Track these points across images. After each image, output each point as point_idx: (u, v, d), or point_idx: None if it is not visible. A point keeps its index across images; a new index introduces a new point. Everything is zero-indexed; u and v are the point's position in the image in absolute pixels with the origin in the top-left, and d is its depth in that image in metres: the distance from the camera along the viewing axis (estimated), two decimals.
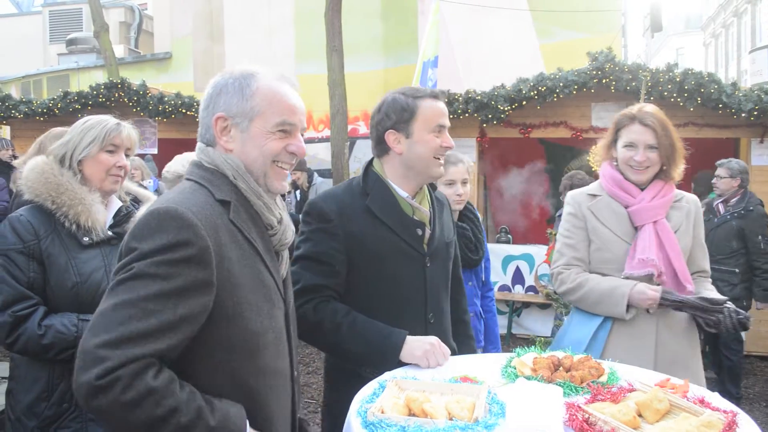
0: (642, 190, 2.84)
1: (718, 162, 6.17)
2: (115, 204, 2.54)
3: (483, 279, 3.74)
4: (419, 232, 2.37)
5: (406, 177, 2.38)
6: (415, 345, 2.17)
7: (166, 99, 9.12)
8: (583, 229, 2.89)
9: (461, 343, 2.65)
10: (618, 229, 2.82)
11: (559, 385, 1.92)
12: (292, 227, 1.82)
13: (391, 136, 2.34)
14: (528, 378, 2.01)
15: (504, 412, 1.74)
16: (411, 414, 1.72)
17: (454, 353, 2.32)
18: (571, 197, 3.00)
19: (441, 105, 2.37)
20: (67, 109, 8.95)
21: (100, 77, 12.26)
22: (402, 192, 2.37)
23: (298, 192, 8.45)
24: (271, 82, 1.70)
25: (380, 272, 2.32)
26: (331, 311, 2.25)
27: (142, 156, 8.25)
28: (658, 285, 2.72)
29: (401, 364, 2.16)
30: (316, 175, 8.51)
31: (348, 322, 2.23)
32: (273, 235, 1.74)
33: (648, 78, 6.71)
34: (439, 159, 2.36)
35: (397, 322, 2.25)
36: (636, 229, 2.81)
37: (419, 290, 2.37)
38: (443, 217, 2.54)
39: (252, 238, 1.64)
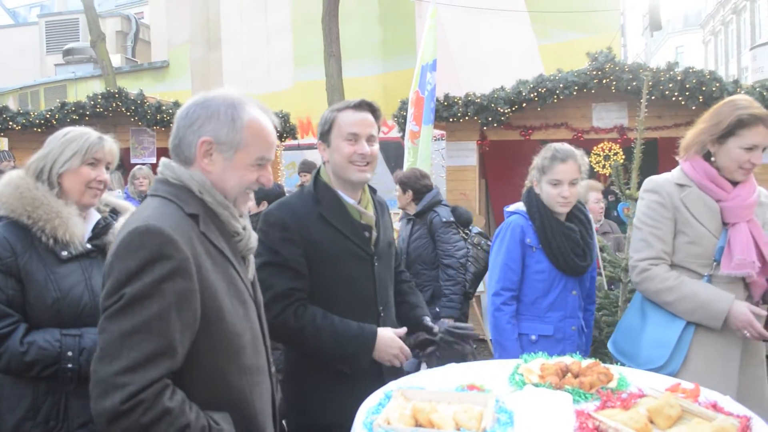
0: (733, 185, 2.70)
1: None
2: (94, 216, 2.48)
3: (592, 290, 3.39)
4: (366, 234, 2.56)
5: (340, 184, 2.55)
6: (383, 351, 2.43)
7: (164, 108, 9.08)
8: (671, 220, 2.73)
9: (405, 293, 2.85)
10: (709, 223, 2.69)
11: (568, 392, 1.88)
12: (254, 234, 1.92)
13: (320, 147, 2.58)
14: (536, 385, 1.97)
15: (513, 421, 1.70)
16: (418, 425, 1.69)
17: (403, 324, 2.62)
18: (657, 185, 2.80)
19: (359, 115, 2.49)
20: (65, 120, 8.90)
21: (98, 87, 12.25)
22: (349, 199, 2.55)
23: None
24: (258, 118, 1.79)
25: (336, 273, 2.49)
26: (311, 316, 2.42)
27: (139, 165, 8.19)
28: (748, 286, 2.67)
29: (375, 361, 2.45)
30: None
31: (327, 326, 2.41)
32: (239, 241, 1.83)
33: (649, 77, 6.68)
34: (356, 164, 2.47)
35: (354, 317, 2.46)
36: (724, 225, 2.69)
37: (370, 287, 2.56)
38: (385, 219, 2.71)
39: (221, 246, 1.73)
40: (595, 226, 4.97)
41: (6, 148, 9.43)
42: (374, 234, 2.58)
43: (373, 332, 2.44)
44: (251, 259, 1.92)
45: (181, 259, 1.56)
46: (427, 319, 2.70)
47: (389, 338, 2.45)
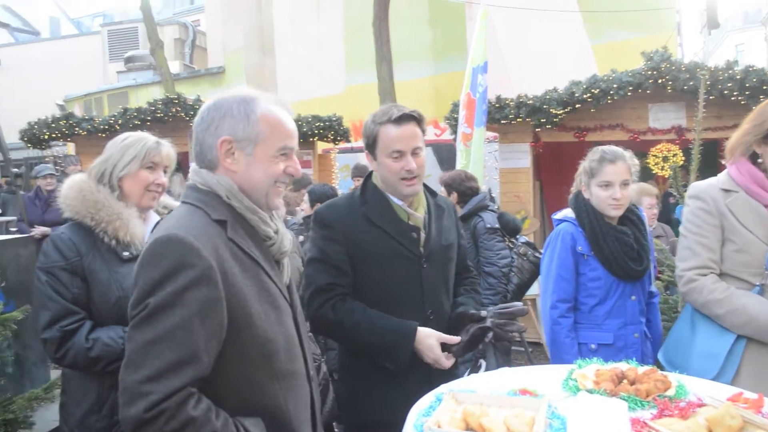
0: None
1: None
2: (153, 218, 2.57)
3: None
4: (414, 235, 2.54)
5: (390, 187, 2.55)
6: (425, 348, 2.40)
7: None
8: (717, 227, 2.60)
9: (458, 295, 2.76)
10: (758, 229, 2.54)
11: (624, 399, 1.85)
12: (289, 236, 1.90)
13: (367, 157, 2.59)
14: (590, 391, 1.94)
15: (565, 428, 1.68)
16: (468, 428, 1.68)
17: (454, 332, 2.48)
18: (701, 191, 2.68)
19: (402, 130, 2.44)
20: (127, 125, 9.20)
21: (157, 93, 12.59)
22: (397, 200, 2.55)
23: None
24: (272, 108, 1.77)
25: (380, 273, 2.51)
26: (349, 310, 2.46)
27: None
28: None
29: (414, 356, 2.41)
30: None
31: (365, 318, 2.44)
32: (272, 245, 1.82)
33: (707, 76, 6.49)
34: (405, 180, 2.47)
35: (396, 313, 2.47)
36: None
37: (416, 289, 2.53)
38: (442, 221, 2.67)
39: (251, 251, 1.72)
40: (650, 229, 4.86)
41: (73, 153, 9.80)
42: (423, 235, 2.56)
43: (413, 326, 2.42)
44: (285, 262, 1.90)
45: (204, 267, 1.56)
46: (472, 309, 2.56)
47: (428, 343, 2.40)
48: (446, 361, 2.41)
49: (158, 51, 13.62)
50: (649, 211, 5.50)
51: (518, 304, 2.56)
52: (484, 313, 2.50)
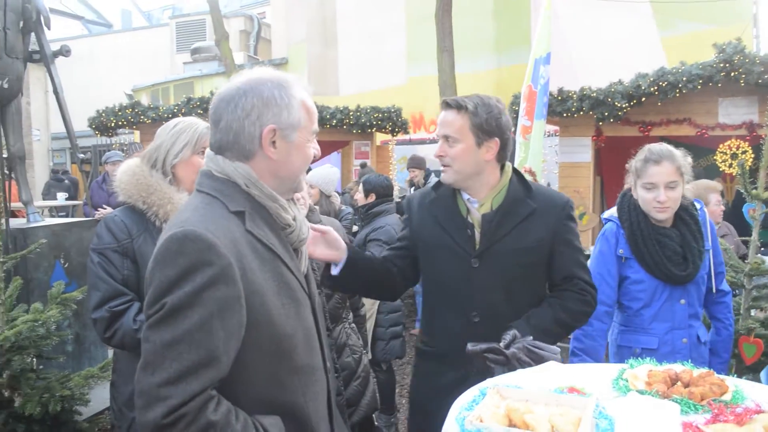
0: None
1: None
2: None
3: (709, 286, 3.01)
4: (468, 232, 2.44)
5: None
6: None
7: None
8: None
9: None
10: None
11: (676, 402, 1.77)
12: (308, 223, 1.85)
13: None
14: (641, 392, 1.87)
15: (613, 428, 1.62)
16: (511, 425, 1.64)
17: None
18: None
19: (441, 115, 2.45)
20: (191, 114, 9.42)
21: (222, 83, 12.83)
22: (465, 194, 2.49)
23: (413, 188, 8.47)
24: (304, 92, 1.74)
25: (432, 265, 2.54)
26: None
27: None
28: None
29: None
30: (433, 174, 8.45)
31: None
32: (291, 233, 1.75)
33: None
34: (441, 165, 2.47)
35: (443, 312, 2.50)
36: None
37: (464, 288, 2.44)
38: (521, 222, 2.44)
39: (270, 243, 1.65)
40: (716, 228, 4.64)
41: (138, 141, 10.12)
42: (476, 234, 2.44)
43: None
44: (304, 250, 1.84)
45: (222, 265, 1.49)
46: (506, 337, 2.27)
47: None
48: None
49: (223, 42, 13.90)
50: (717, 207, 5.26)
51: (555, 349, 2.25)
52: (503, 344, 2.22)
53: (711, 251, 2.99)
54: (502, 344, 2.20)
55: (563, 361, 2.34)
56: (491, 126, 2.38)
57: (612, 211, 3.08)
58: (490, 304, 2.43)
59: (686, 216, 2.94)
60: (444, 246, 2.47)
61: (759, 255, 3.76)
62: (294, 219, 1.76)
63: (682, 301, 2.88)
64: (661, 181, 2.81)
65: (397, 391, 5.29)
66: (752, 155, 7.43)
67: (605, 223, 3.06)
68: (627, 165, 3.03)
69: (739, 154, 7.38)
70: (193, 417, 1.42)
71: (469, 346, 2.22)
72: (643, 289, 2.89)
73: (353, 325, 3.42)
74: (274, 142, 1.66)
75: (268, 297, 1.60)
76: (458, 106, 2.39)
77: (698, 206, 3.04)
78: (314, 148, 1.78)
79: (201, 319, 1.46)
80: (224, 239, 1.52)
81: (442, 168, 2.46)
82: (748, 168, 3.72)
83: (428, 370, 2.58)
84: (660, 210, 2.84)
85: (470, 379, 2.13)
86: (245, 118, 1.64)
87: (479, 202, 2.47)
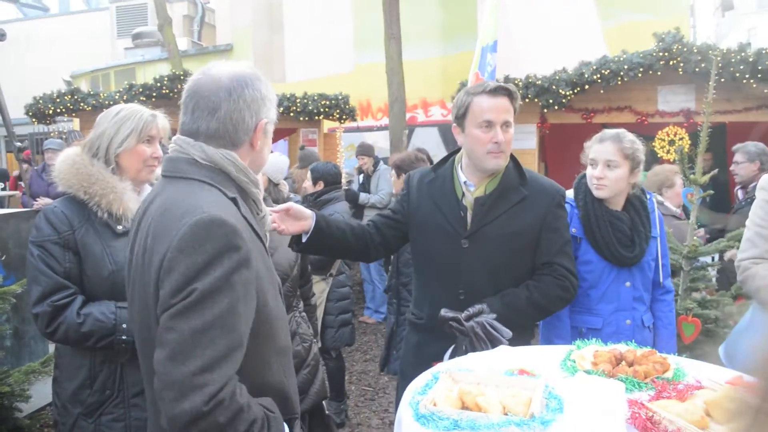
0: None
1: (735, 147, 5.65)
2: (147, 190, 2.52)
3: (657, 279, 3.09)
4: (461, 214, 2.56)
5: (469, 166, 2.62)
6: None
7: None
8: None
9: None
10: None
11: (621, 381, 1.84)
12: (267, 210, 1.89)
13: (455, 130, 2.63)
14: (588, 372, 1.93)
15: (562, 408, 1.67)
16: (464, 407, 1.68)
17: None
18: None
19: (494, 101, 2.49)
20: (133, 101, 9.14)
21: (165, 69, 12.54)
22: (461, 176, 2.62)
23: (362, 176, 8.47)
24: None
25: (424, 242, 2.67)
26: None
27: None
28: None
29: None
30: (381, 162, 8.46)
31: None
32: (262, 218, 1.80)
33: (719, 58, 6.40)
34: (492, 153, 2.51)
35: (432, 288, 2.65)
36: None
37: (453, 266, 2.58)
38: (513, 207, 2.56)
39: (256, 228, 1.70)
40: (679, 212, 4.73)
41: (78, 129, 9.80)
42: (468, 216, 2.56)
43: None
44: (268, 235, 1.86)
45: (247, 249, 1.53)
46: (471, 309, 2.42)
47: None
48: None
49: (166, 27, 13.54)
50: (680, 190, 5.29)
51: (507, 333, 2.35)
52: (463, 315, 2.37)
53: (659, 240, 3.07)
54: (464, 315, 2.36)
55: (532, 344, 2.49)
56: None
57: (568, 193, 3.14)
58: (476, 283, 2.56)
59: (636, 202, 3.04)
60: (438, 225, 2.60)
61: (696, 237, 3.90)
62: (263, 207, 1.82)
63: (628, 284, 2.96)
64: (601, 158, 2.91)
65: (346, 378, 5.31)
66: (689, 141, 7.69)
67: None
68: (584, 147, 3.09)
69: (677, 141, 7.63)
70: (228, 402, 1.44)
71: (442, 312, 2.40)
72: (590, 270, 2.96)
73: (303, 314, 3.40)
74: (259, 135, 1.73)
75: (263, 281, 1.65)
76: (511, 93, 2.53)
77: (648, 196, 3.13)
78: None
79: (230, 304, 1.48)
80: (240, 224, 1.57)
81: (495, 155, 2.51)
82: (686, 154, 3.84)
83: (417, 341, 2.72)
84: (597, 186, 2.93)
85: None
86: (245, 109, 1.67)
87: (475, 186, 2.59)
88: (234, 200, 1.64)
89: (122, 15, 20.63)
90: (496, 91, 2.50)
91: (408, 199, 2.76)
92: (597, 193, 2.95)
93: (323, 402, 3.46)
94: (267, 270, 1.70)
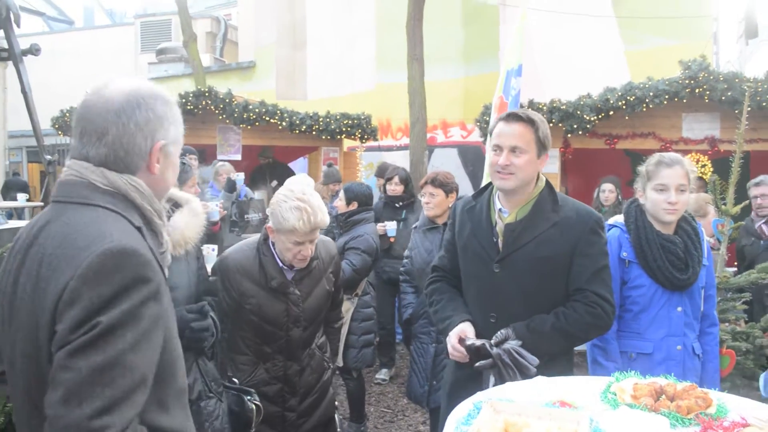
0: None
1: (756, 180, 5.49)
2: None
3: (705, 310, 3.06)
4: (494, 239, 2.64)
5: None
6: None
7: (250, 107, 9.35)
8: None
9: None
10: None
11: (665, 416, 1.82)
12: (170, 245, 1.74)
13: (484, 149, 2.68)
14: (631, 406, 1.91)
15: None
16: None
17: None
18: None
19: (505, 128, 2.62)
20: None
21: (188, 85, 12.69)
22: (498, 202, 2.69)
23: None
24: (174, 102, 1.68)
25: (464, 264, 2.78)
26: (433, 290, 2.89)
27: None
28: None
29: None
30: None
31: (436, 300, 2.83)
32: (162, 253, 1.64)
33: (752, 88, 6.37)
34: (498, 174, 2.61)
35: (471, 311, 2.70)
36: None
37: (487, 290, 2.66)
38: (546, 232, 2.58)
39: (160, 261, 1.56)
40: (711, 241, 4.68)
41: None
42: (500, 242, 2.63)
43: (458, 321, 2.65)
44: (167, 272, 1.68)
45: (157, 281, 1.43)
46: (498, 335, 2.50)
47: (454, 332, 2.61)
48: (455, 351, 2.58)
49: (191, 44, 13.71)
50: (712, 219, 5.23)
51: (534, 360, 2.41)
52: (490, 342, 2.47)
53: (706, 269, 3.05)
54: (492, 341, 2.46)
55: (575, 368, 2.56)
56: (547, 140, 2.64)
57: (616, 218, 3.18)
58: (507, 308, 2.61)
59: (687, 226, 3.04)
60: (474, 250, 2.70)
61: (726, 269, 3.88)
62: (166, 240, 1.68)
63: (679, 309, 2.94)
64: (673, 183, 2.91)
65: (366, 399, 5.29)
66: (711, 169, 7.65)
67: (609, 230, 3.10)
68: (639, 170, 3.10)
69: (699, 169, 7.59)
70: None
71: (467, 342, 2.51)
72: (642, 294, 2.95)
73: (321, 340, 3.37)
74: (159, 158, 1.60)
75: (168, 315, 1.54)
76: (529, 120, 2.59)
77: (696, 223, 3.13)
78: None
79: (135, 339, 1.36)
80: (150, 255, 1.46)
81: (501, 176, 2.60)
82: (718, 183, 3.83)
83: (452, 362, 2.77)
84: (670, 212, 2.92)
85: (480, 375, 2.42)
86: (138, 133, 1.54)
87: (509, 212, 2.66)
88: (139, 229, 1.52)
89: (146, 30, 20.92)
90: (509, 117, 2.64)
91: (453, 228, 2.87)
92: (668, 218, 2.95)
93: (336, 418, 3.47)
94: (169, 304, 1.58)
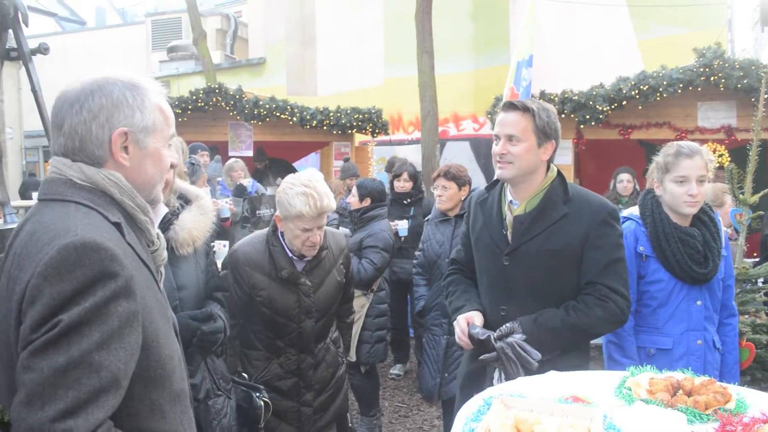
0: None
1: None
2: (162, 211, 2.47)
3: (723, 301, 2.98)
4: (504, 232, 2.60)
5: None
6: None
7: (261, 103, 9.35)
8: None
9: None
10: None
11: (682, 411, 1.76)
12: (164, 242, 1.70)
13: None
14: (646, 402, 1.86)
15: None
16: None
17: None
18: None
19: (501, 116, 2.59)
20: None
21: (199, 82, 12.69)
22: (509, 196, 2.64)
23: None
24: (159, 95, 1.61)
25: (477, 256, 2.76)
26: (450, 281, 2.92)
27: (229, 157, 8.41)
28: None
29: None
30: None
31: (452, 291, 2.86)
32: (154, 251, 1.60)
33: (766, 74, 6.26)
34: (497, 164, 2.60)
35: (483, 303, 2.70)
36: None
37: (497, 283, 2.63)
38: (554, 224, 2.52)
39: (145, 258, 1.52)
40: (729, 231, 4.58)
41: None
42: (509, 234, 2.59)
43: (468, 309, 2.68)
44: (162, 271, 1.67)
45: (126, 277, 1.35)
46: (503, 328, 2.48)
47: (462, 316, 2.64)
48: (463, 336, 2.59)
49: (201, 41, 13.71)
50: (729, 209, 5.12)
51: (537, 355, 2.37)
52: (493, 335, 2.47)
53: (725, 259, 2.96)
54: (497, 334, 2.45)
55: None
56: (550, 129, 2.54)
57: (631, 210, 3.06)
58: (517, 301, 2.57)
59: (705, 217, 2.94)
60: (485, 243, 2.68)
61: (744, 260, 3.80)
62: (158, 237, 1.63)
63: (699, 303, 2.85)
64: (693, 174, 2.79)
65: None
66: (728, 158, 7.53)
67: (623, 222, 2.96)
68: (656, 160, 2.97)
69: (717, 158, 7.47)
70: None
71: (471, 331, 2.52)
72: (661, 288, 2.86)
73: (335, 335, 3.36)
74: (126, 148, 1.51)
75: (153, 314, 1.47)
76: (524, 108, 2.54)
77: (714, 213, 3.02)
78: (172, 156, 1.65)
79: (102, 338, 1.29)
80: (121, 249, 1.39)
81: (500, 165, 2.57)
82: (735, 173, 3.74)
83: (467, 354, 2.78)
84: (690, 204, 2.82)
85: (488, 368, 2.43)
86: (92, 121, 1.47)
87: (519, 204, 2.61)
88: (117, 225, 1.45)
89: (157, 29, 20.98)
90: (505, 106, 2.61)
91: (468, 221, 2.87)
92: (689, 211, 2.84)
93: (347, 414, 3.47)
94: (158, 304, 1.52)
